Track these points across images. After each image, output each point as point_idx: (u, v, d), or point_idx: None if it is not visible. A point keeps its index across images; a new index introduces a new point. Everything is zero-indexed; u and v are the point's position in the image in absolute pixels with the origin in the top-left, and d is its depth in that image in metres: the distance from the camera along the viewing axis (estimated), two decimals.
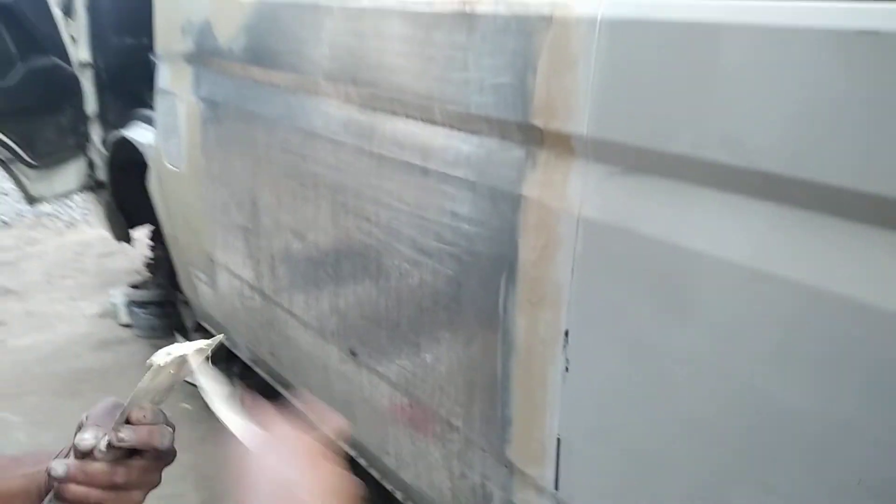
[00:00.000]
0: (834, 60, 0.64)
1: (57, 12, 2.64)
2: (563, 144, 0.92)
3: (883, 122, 0.62)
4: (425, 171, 1.14)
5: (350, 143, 1.30)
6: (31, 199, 2.77)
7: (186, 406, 2.47)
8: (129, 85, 2.67)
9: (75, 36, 2.70)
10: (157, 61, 2.10)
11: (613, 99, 0.84)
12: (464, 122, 1.07)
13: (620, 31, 0.82)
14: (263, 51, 1.51)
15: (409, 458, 1.39)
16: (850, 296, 0.66)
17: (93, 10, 2.66)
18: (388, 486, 1.53)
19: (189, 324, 2.70)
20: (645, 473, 0.92)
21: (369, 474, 1.57)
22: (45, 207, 4.22)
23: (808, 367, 0.71)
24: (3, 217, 4.25)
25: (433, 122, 1.12)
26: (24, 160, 2.64)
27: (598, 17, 0.83)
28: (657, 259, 0.83)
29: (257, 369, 2.02)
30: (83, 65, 2.71)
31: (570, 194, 0.92)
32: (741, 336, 0.76)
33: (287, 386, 1.86)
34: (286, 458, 0.56)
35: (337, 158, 1.34)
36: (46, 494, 0.65)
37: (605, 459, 0.97)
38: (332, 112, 1.35)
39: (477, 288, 1.09)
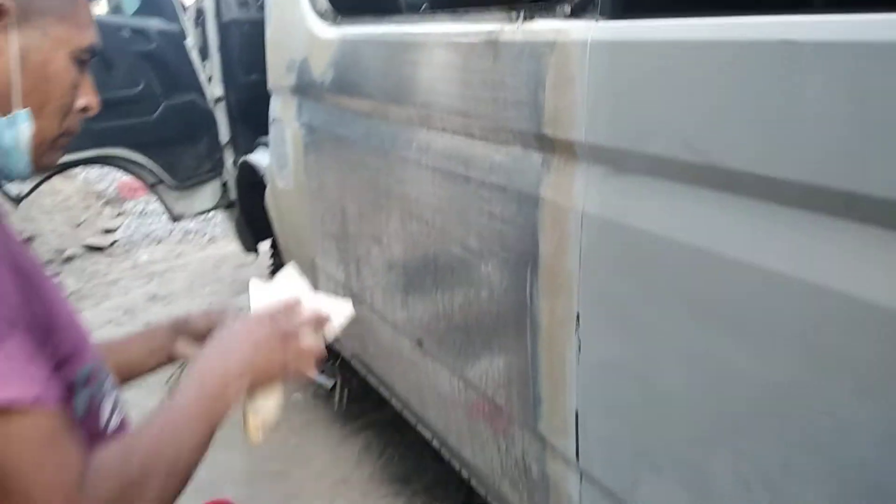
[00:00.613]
0: (768, 69, 0.75)
1: (194, 55, 3.07)
2: (568, 150, 1.06)
3: (803, 121, 0.72)
4: (467, 179, 1.31)
5: (412, 157, 1.50)
6: (175, 217, 3.21)
7: (297, 395, 2.77)
8: (256, 115, 3.02)
9: (210, 75, 3.12)
10: (271, 94, 2.42)
11: (603, 109, 0.97)
12: (495, 136, 1.23)
13: (606, 51, 0.96)
14: (345, 82, 1.75)
15: (466, 438, 1.55)
16: (816, 282, 0.74)
17: (224, 52, 3.07)
18: (456, 465, 1.70)
19: None
20: (651, 444, 1.03)
21: (441, 456, 1.75)
22: (189, 225, 4.79)
23: (783, 346, 0.80)
24: (156, 235, 4.86)
25: (472, 136, 1.29)
26: (168, 183, 3.08)
27: (588, 41, 0.97)
28: (646, 249, 0.95)
29: (354, 364, 2.26)
30: (217, 99, 3.12)
31: (575, 194, 1.05)
32: (720, 316, 0.86)
33: (373, 373, 2.08)
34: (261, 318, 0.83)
35: (403, 172, 1.54)
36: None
37: (617, 431, 1.09)
38: (397, 131, 1.55)
39: (510, 279, 1.24)
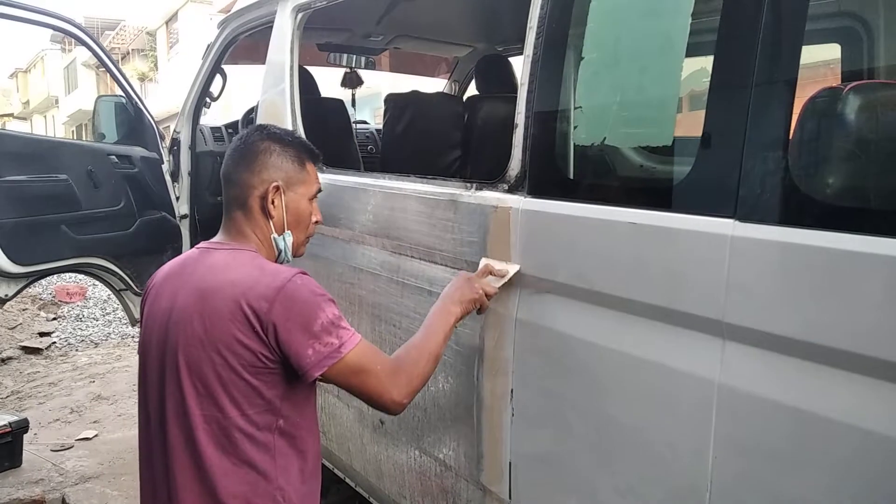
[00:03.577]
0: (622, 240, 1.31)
1: (168, 178, 3.51)
2: (504, 277, 1.59)
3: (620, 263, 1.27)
4: (430, 293, 1.81)
5: (384, 275, 1.99)
6: (135, 322, 3.51)
7: None
8: (215, 231, 3.45)
9: (178, 195, 3.55)
10: None
11: (529, 249, 1.51)
12: (453, 263, 1.75)
13: (526, 215, 1.51)
14: (330, 215, 2.26)
15: (418, 498, 1.96)
16: (676, 367, 1.27)
17: (195, 176, 3.54)
18: None
19: None
20: (567, 483, 1.49)
21: None
22: (127, 329, 4.99)
23: (651, 419, 1.31)
24: (93, 339, 5.01)
25: (435, 262, 1.81)
26: (134, 290, 3.41)
27: (517, 207, 1.53)
28: (557, 343, 1.46)
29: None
30: (182, 216, 3.54)
31: (510, 305, 1.57)
32: (607, 391, 1.37)
33: (331, 455, 2.45)
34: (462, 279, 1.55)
35: (375, 286, 2.03)
36: None
37: (540, 475, 1.55)
38: (373, 255, 2.06)
39: (461, 367, 1.72)
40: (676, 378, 1.21)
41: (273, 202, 1.40)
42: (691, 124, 1.27)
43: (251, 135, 1.45)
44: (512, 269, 1.54)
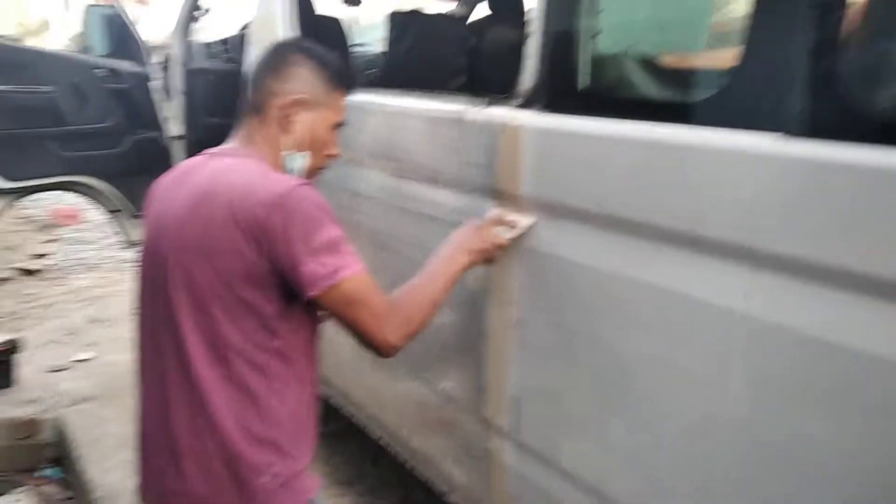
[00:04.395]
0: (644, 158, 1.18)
1: (157, 96, 3.35)
2: (513, 200, 1.47)
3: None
4: (433, 219, 1.70)
5: (384, 199, 1.88)
6: (131, 244, 3.42)
7: None
8: None
9: (169, 115, 3.39)
10: None
11: (541, 171, 1.40)
12: (457, 186, 1.63)
13: (540, 133, 1.38)
14: None
15: (418, 429, 1.91)
16: (662, 286, 1.17)
17: (189, 95, 3.37)
18: (402, 456, 2.04)
19: None
20: (575, 419, 1.42)
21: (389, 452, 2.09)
22: (126, 254, 4.91)
23: (641, 337, 1.22)
24: (90, 262, 4.94)
25: (438, 186, 1.69)
26: (128, 211, 3.31)
27: (524, 125, 1.40)
28: (572, 273, 1.36)
29: None
30: (175, 137, 3.40)
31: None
32: (614, 317, 1.28)
33: (329, 384, 2.40)
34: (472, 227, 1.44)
35: (375, 211, 1.92)
36: None
37: (547, 410, 1.48)
38: (372, 178, 1.93)
39: (467, 297, 1.63)
40: (701, 309, 1.11)
41: (291, 116, 1.29)
42: (733, 25, 1.13)
43: (288, 45, 1.36)
44: (525, 221, 1.43)
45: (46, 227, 5.39)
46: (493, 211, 1.47)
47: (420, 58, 2.20)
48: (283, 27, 2.40)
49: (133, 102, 3.25)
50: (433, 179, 1.71)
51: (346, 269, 1.16)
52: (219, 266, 1.15)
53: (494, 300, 1.55)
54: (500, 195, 1.51)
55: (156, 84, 3.33)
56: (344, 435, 2.71)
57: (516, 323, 1.50)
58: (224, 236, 1.14)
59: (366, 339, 1.22)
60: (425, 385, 1.84)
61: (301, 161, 1.31)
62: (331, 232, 1.16)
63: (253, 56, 2.62)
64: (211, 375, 1.18)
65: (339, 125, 1.37)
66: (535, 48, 1.39)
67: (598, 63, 1.30)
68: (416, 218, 1.77)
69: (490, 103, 1.53)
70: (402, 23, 2.36)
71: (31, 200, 5.47)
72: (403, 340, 1.23)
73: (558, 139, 1.35)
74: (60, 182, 3.08)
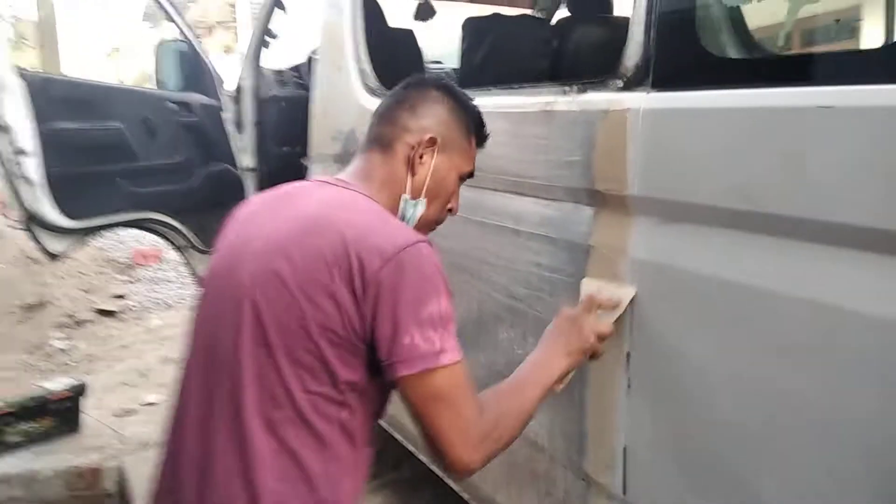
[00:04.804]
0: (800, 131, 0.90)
1: (230, 129, 3.27)
2: (619, 205, 1.20)
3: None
4: (517, 233, 1.44)
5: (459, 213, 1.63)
6: (200, 280, 3.32)
7: None
8: (282, 183, 3.19)
9: (241, 147, 3.31)
10: (308, 164, 2.59)
11: (654, 164, 1.12)
12: (545, 192, 1.37)
13: (651, 116, 1.11)
14: None
15: (502, 483, 1.61)
16: (851, 308, 0.86)
17: (260, 126, 3.28)
18: None
19: None
20: (703, 475, 1.11)
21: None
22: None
23: (831, 371, 0.91)
24: (167, 301, 4.93)
25: (522, 194, 1.44)
26: (196, 247, 3.21)
27: (638, 107, 1.13)
28: (699, 290, 1.07)
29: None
30: (248, 169, 3.30)
31: (625, 241, 1.18)
32: (784, 354, 0.97)
33: (403, 428, 2.14)
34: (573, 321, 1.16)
35: (448, 227, 1.68)
36: None
37: (667, 464, 1.17)
38: None
39: None
40: (885, 332, 0.80)
41: (422, 156, 1.13)
42: None
43: (427, 81, 1.21)
44: (626, 294, 1.17)
45: (127, 267, 5.45)
46: (584, 288, 1.23)
47: (499, 59, 1.97)
48: (351, 45, 2.24)
49: (203, 135, 3.18)
50: (517, 186, 1.45)
51: (448, 353, 0.96)
52: (306, 306, 0.95)
53: None
54: (600, 199, 1.24)
55: (228, 116, 3.25)
56: (420, 483, 2.44)
57: (625, 357, 1.20)
58: (325, 274, 0.95)
59: (439, 448, 0.97)
60: None
61: (420, 209, 1.14)
62: (443, 304, 0.97)
63: (319, 80, 2.48)
64: (261, 438, 0.96)
65: (467, 176, 1.21)
66: (641, 14, 1.13)
67: (730, 17, 1.03)
68: (497, 233, 1.51)
69: (583, 89, 1.27)
70: (478, 27, 2.15)
71: (111, 241, 5.58)
72: (482, 463, 0.99)
73: (676, 120, 1.08)
74: (130, 220, 3.01)
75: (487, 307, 1.55)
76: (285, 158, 3.19)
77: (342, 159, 2.26)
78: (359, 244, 0.95)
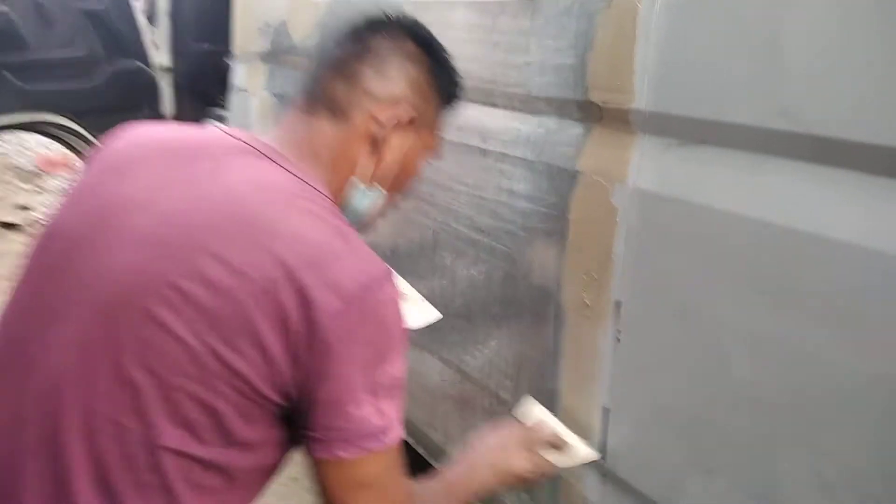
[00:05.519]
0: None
1: (142, 20, 2.84)
2: (621, 122, 0.96)
3: None
4: (484, 152, 1.20)
5: None
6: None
7: None
8: (204, 86, 2.82)
9: (157, 42, 2.89)
10: (232, 63, 2.24)
11: (666, 73, 0.88)
12: (522, 103, 1.12)
13: (681, 6, 0.87)
14: None
15: (456, 436, 1.44)
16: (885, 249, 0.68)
17: (175, 18, 2.85)
18: (434, 463, 1.58)
19: None
20: (693, 441, 0.94)
21: (416, 451, 1.62)
22: None
23: (854, 327, 0.73)
24: None
25: (494, 105, 1.18)
26: None
27: None
28: (718, 227, 0.86)
29: None
30: (163, 69, 2.90)
31: (622, 165, 0.96)
32: (798, 297, 0.78)
33: None
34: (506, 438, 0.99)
35: None
36: None
37: (657, 429, 1.00)
38: None
39: (532, 262, 1.14)
40: None
41: (391, 138, 0.83)
42: None
43: (402, 25, 0.86)
44: (587, 453, 1.04)
45: (33, 175, 4.94)
46: (550, 427, 1.04)
47: None
48: None
49: (111, 27, 2.75)
50: (485, 96, 1.20)
51: (395, 429, 0.74)
52: (216, 344, 0.67)
53: (574, 271, 1.05)
54: (594, 113, 1.00)
55: (139, 4, 2.82)
56: None
57: (613, 305, 1.00)
58: (249, 306, 0.67)
59: None
60: (468, 380, 1.37)
61: (374, 201, 0.87)
62: (399, 364, 0.74)
63: None
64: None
65: (431, 157, 0.93)
66: None
67: None
68: (458, 152, 1.26)
69: None
70: None
71: (15, 146, 5.02)
72: None
73: (712, 8, 0.84)
74: (23, 122, 2.60)
75: (445, 240, 1.32)
76: (205, 57, 2.80)
77: (272, 57, 1.93)
78: (310, 274, 0.67)
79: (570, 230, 1.05)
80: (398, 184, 0.88)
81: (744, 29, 0.80)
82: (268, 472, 0.79)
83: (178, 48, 2.88)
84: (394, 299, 0.73)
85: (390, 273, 0.73)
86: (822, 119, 0.74)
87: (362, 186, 0.84)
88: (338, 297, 0.67)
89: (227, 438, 0.70)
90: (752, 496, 0.86)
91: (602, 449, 1.06)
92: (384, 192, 0.86)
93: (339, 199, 0.83)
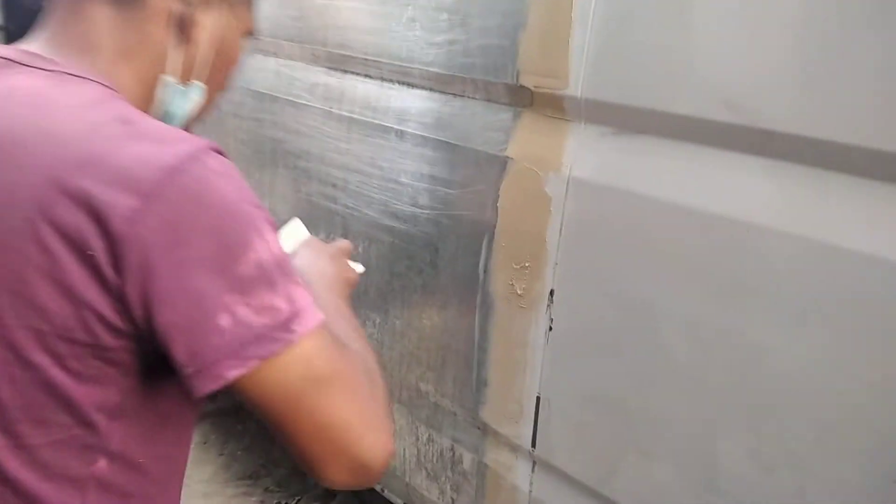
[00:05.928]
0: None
1: None
2: (555, 108, 0.93)
3: None
4: (401, 134, 1.13)
5: (316, 106, 1.27)
6: None
7: None
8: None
9: None
10: None
11: (612, 58, 0.86)
12: (440, 83, 1.06)
13: None
14: None
15: None
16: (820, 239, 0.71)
17: None
18: None
19: None
20: (630, 427, 0.95)
21: None
22: None
23: (790, 309, 0.75)
24: None
25: (410, 84, 1.11)
26: None
27: None
28: (655, 216, 0.86)
29: None
30: None
31: (557, 153, 0.93)
32: (735, 286, 0.80)
33: None
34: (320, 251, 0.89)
35: (301, 123, 1.31)
36: None
37: (590, 416, 1.00)
38: (295, 75, 1.31)
39: (456, 251, 1.09)
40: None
41: (201, 18, 0.67)
42: None
43: None
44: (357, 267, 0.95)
45: None
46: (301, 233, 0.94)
47: None
48: None
49: None
50: (403, 75, 1.12)
51: (307, 312, 0.57)
52: (5, 313, 0.54)
53: (503, 259, 1.02)
54: (525, 98, 0.96)
55: None
56: (243, 412, 2.15)
57: (547, 294, 0.99)
58: (30, 244, 0.53)
59: (347, 452, 0.59)
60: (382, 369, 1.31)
61: (195, 98, 0.71)
62: (269, 243, 0.57)
63: None
64: None
65: (247, 36, 0.76)
66: None
67: None
68: (372, 134, 1.18)
69: None
70: None
71: None
72: (392, 440, 0.63)
73: None
74: None
75: (357, 228, 1.24)
76: (38, 16, 2.46)
77: None
78: (84, 174, 0.53)
79: (500, 218, 1.01)
80: (218, 75, 0.73)
81: (688, 17, 0.79)
82: (179, 458, 0.68)
83: (9, 5, 2.52)
84: (221, 171, 0.57)
85: (210, 146, 0.58)
86: (764, 111, 0.75)
87: (177, 84, 0.69)
88: (132, 192, 0.52)
89: (73, 410, 0.56)
90: (691, 479, 0.89)
91: (535, 438, 1.06)
92: (204, 86, 0.71)
93: (148, 107, 0.68)
